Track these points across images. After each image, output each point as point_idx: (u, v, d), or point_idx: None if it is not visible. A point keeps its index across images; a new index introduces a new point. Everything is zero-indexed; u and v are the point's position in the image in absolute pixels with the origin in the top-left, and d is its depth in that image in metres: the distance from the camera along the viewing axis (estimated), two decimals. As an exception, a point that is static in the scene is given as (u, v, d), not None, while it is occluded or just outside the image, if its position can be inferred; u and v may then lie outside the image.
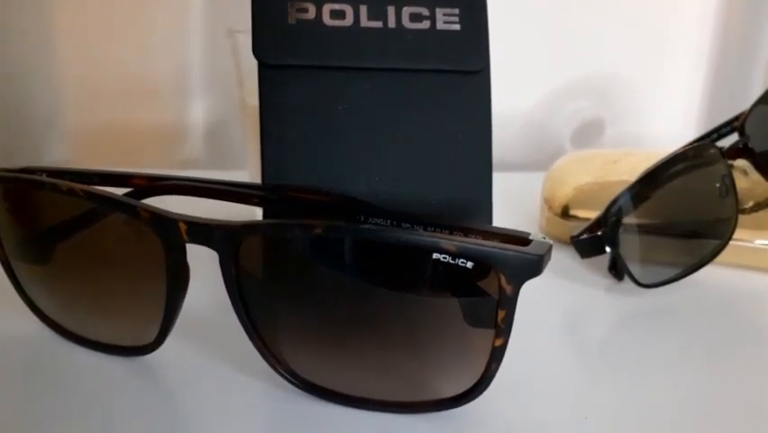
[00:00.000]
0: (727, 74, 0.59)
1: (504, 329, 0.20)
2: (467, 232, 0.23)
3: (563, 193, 0.39)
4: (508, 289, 0.20)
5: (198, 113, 0.56)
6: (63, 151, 0.55)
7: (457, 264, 0.20)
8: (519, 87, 0.53)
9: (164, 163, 0.55)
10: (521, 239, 0.21)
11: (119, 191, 0.26)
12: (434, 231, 0.23)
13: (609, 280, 0.34)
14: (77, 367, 0.25)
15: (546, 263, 0.20)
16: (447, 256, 0.20)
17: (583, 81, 0.58)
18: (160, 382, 0.24)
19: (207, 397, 0.23)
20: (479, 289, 0.21)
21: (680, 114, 0.60)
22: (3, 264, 0.26)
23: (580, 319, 0.32)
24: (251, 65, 0.31)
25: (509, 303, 0.20)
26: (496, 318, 0.20)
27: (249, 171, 0.37)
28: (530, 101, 0.58)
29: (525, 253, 0.20)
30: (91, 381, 0.24)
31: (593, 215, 0.36)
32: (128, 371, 0.24)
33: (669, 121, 0.60)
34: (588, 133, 0.59)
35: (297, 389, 0.23)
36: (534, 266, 0.20)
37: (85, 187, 0.23)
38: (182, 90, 0.55)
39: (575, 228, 0.36)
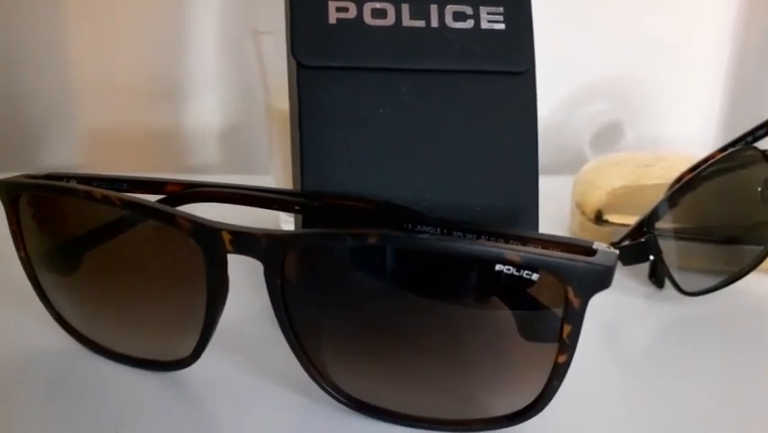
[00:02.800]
0: (747, 74, 0.59)
1: (569, 345, 0.19)
2: (524, 241, 0.21)
3: (596, 197, 0.38)
4: (576, 302, 0.19)
5: (212, 116, 0.55)
6: (72, 153, 0.54)
7: (520, 276, 0.19)
8: (538, 91, 0.52)
9: (176, 167, 0.54)
10: (585, 249, 0.20)
11: (149, 198, 0.25)
12: (490, 240, 0.22)
13: (649, 288, 0.33)
14: (107, 383, 0.23)
15: (613, 275, 0.19)
16: (511, 267, 0.19)
17: (602, 84, 0.58)
18: (196, 398, 0.23)
19: (246, 414, 0.22)
20: (541, 302, 0.20)
21: (700, 115, 0.59)
22: (28, 274, 0.25)
23: (622, 329, 0.31)
24: (276, 67, 0.30)
25: (576, 317, 0.19)
26: (561, 333, 0.19)
27: (274, 176, 0.36)
28: (549, 104, 0.57)
29: (595, 264, 0.19)
30: (122, 397, 0.23)
31: (627, 219, 0.35)
32: (161, 386, 0.23)
33: (689, 122, 0.59)
34: (607, 136, 0.58)
35: (341, 405, 0.22)
36: (603, 278, 0.19)
37: (121, 195, 0.22)
38: (195, 92, 0.54)
39: (608, 233, 0.35)
